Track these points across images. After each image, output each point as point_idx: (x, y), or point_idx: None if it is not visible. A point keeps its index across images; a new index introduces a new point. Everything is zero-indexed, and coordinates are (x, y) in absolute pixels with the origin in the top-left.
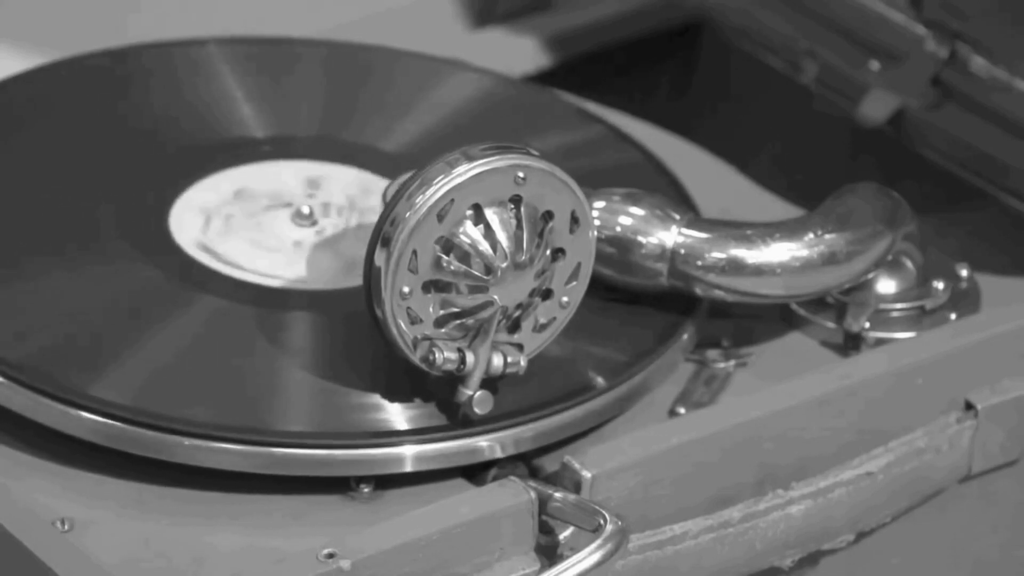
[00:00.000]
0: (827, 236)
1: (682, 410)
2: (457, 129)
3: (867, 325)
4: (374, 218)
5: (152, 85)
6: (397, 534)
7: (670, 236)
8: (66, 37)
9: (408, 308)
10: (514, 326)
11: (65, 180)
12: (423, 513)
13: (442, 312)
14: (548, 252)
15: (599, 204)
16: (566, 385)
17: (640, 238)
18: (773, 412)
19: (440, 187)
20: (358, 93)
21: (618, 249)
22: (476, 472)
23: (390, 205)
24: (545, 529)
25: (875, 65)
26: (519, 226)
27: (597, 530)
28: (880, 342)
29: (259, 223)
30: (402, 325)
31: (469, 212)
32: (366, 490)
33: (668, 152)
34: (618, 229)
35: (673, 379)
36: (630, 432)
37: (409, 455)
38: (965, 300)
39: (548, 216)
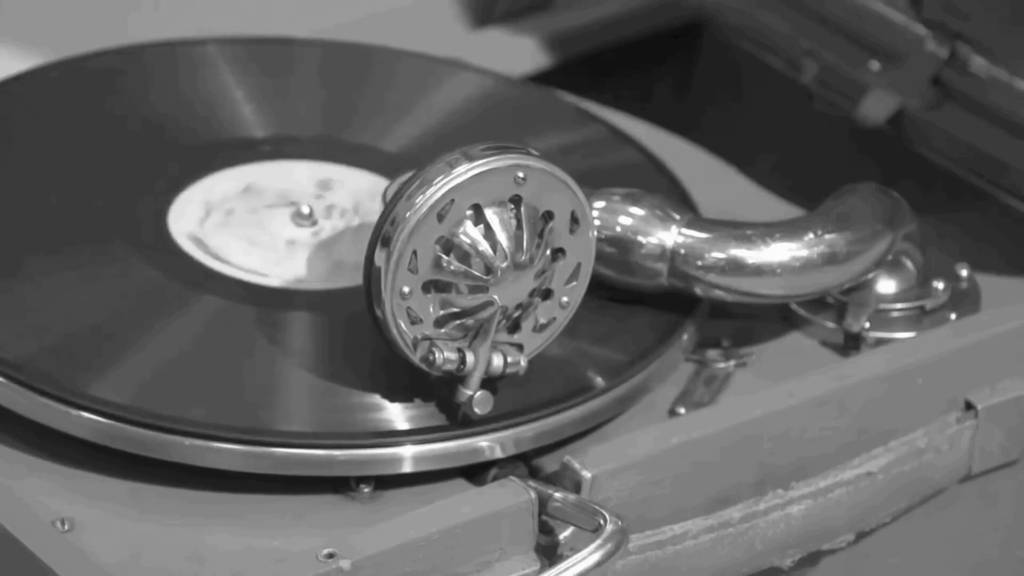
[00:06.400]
0: (827, 236)
1: (682, 410)
2: (457, 129)
3: (867, 325)
4: (374, 218)
5: (152, 85)
6: (397, 534)
7: (670, 236)
8: (66, 37)
9: (408, 308)
10: (514, 326)
11: (65, 180)
12: (423, 513)
13: (442, 312)
14: (548, 252)
15: (599, 204)
16: (566, 385)
17: (640, 238)
18: (773, 412)
19: (440, 187)
20: (359, 93)
21: (618, 249)
22: (476, 472)
23: (390, 205)
24: (545, 529)
25: (875, 65)
26: (519, 226)
27: (597, 530)
28: (880, 342)
29: (259, 223)
30: (402, 325)
31: (469, 212)
32: (366, 490)
33: (668, 152)
34: (618, 229)
35: (673, 379)
36: (630, 432)
37: (409, 455)
38: (965, 300)
39: (548, 216)
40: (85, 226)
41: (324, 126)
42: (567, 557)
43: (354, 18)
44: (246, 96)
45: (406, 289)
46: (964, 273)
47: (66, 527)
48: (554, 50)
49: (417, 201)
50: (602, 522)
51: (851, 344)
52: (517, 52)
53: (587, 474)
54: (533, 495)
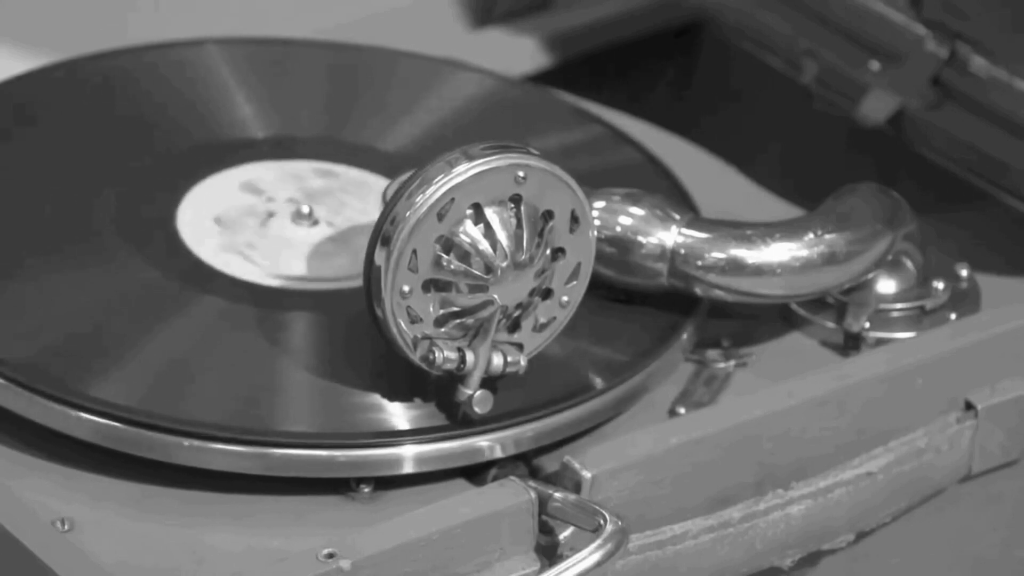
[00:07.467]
0: (827, 236)
1: (682, 410)
2: (457, 129)
3: (867, 325)
4: (374, 217)
5: (152, 86)
6: (397, 534)
7: (670, 236)
8: (66, 37)
9: (408, 307)
10: (514, 325)
11: (66, 181)
12: (423, 513)
13: (442, 311)
14: (548, 251)
15: (599, 204)
16: (566, 385)
17: (640, 238)
18: (773, 412)
19: (440, 186)
20: (358, 93)
21: (618, 249)
22: (476, 472)
23: (390, 204)
24: (545, 529)
25: (875, 65)
26: (519, 225)
27: (597, 530)
28: (880, 342)
29: (259, 223)
30: (402, 324)
31: (469, 211)
32: (366, 490)
33: (668, 152)
34: (618, 229)
35: (673, 379)
36: (630, 432)
37: (409, 455)
38: (965, 300)
39: (548, 215)
40: (85, 226)
41: (324, 126)
42: (567, 557)
43: (354, 18)
44: (246, 97)
45: (406, 288)
46: (964, 273)
47: (66, 527)
48: (554, 50)
49: (417, 200)
50: (602, 522)
51: (851, 344)
52: (517, 52)
53: (587, 474)
54: (533, 495)
